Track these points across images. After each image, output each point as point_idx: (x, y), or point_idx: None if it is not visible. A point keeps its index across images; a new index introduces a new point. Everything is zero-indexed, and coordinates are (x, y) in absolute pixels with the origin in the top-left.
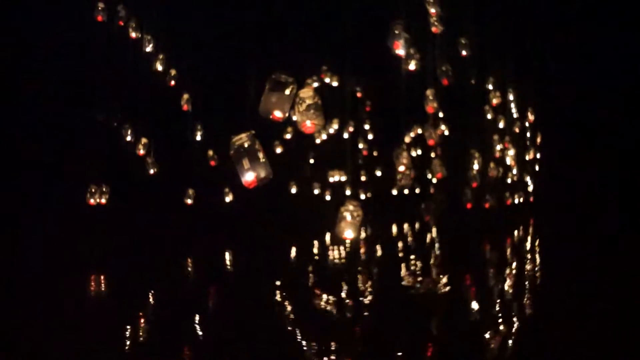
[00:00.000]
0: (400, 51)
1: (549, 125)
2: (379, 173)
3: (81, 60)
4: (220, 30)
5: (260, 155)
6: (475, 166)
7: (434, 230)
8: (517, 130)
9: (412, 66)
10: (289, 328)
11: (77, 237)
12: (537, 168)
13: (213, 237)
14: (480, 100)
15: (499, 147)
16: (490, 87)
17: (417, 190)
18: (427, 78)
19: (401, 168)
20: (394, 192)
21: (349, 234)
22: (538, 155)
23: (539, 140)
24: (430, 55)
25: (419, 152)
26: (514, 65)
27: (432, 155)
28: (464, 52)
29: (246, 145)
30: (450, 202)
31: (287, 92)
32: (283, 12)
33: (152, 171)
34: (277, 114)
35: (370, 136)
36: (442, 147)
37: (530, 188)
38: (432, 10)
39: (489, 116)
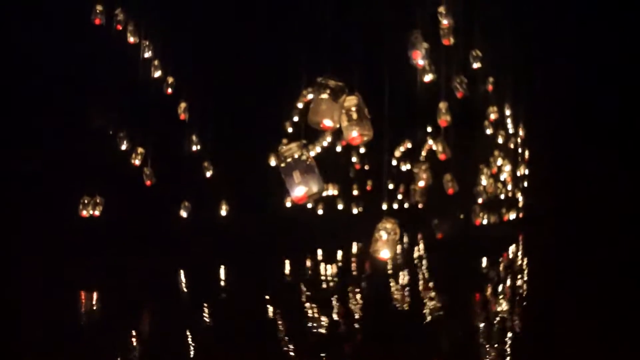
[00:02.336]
0: (420, 61)
1: (537, 141)
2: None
3: (76, 66)
4: (220, 38)
5: (313, 167)
6: (483, 182)
7: (421, 245)
8: (512, 146)
9: (428, 77)
10: (282, 344)
11: (68, 250)
12: (526, 184)
13: (207, 251)
14: (481, 115)
15: (499, 162)
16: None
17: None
18: (440, 90)
19: (421, 183)
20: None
21: (385, 254)
22: (526, 172)
23: (527, 156)
24: (444, 67)
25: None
26: (510, 80)
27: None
28: (475, 65)
29: (297, 156)
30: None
31: (338, 99)
32: (283, 21)
33: (148, 182)
34: (327, 122)
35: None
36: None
37: (521, 204)
38: (445, 22)
39: (489, 131)
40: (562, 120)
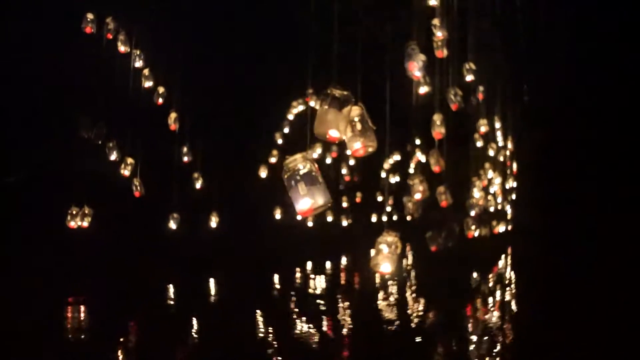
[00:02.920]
0: (417, 72)
1: (523, 154)
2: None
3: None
4: (211, 49)
5: (319, 179)
6: (476, 194)
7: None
8: (501, 159)
9: (423, 89)
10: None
11: (56, 261)
12: (514, 197)
13: (195, 263)
14: (472, 128)
15: (490, 175)
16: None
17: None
18: (434, 103)
19: (417, 196)
20: (373, 218)
21: (386, 267)
22: (514, 184)
23: (515, 168)
24: (438, 79)
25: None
26: (499, 94)
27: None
28: (468, 78)
29: (301, 167)
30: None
31: (344, 109)
32: (273, 31)
33: (137, 193)
34: (333, 133)
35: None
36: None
37: (509, 216)
38: (439, 34)
39: (479, 144)
40: (549, 133)
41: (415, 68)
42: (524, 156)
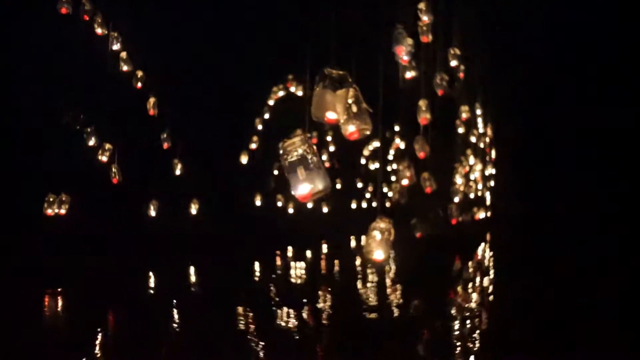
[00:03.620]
0: (404, 57)
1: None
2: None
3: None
4: (191, 33)
5: (318, 163)
6: (459, 180)
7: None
8: (482, 145)
9: (409, 74)
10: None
11: (33, 250)
12: (492, 183)
13: (175, 251)
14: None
15: (471, 162)
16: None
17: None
18: (420, 88)
19: (405, 182)
20: (353, 205)
21: (379, 254)
22: (494, 171)
23: (493, 155)
24: (424, 64)
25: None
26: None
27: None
28: (453, 63)
29: (300, 150)
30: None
31: (342, 90)
32: (254, 15)
33: (115, 180)
34: (331, 115)
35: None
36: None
37: (488, 203)
38: (425, 19)
39: (461, 130)
40: (526, 120)
41: (403, 52)
42: (503, 143)
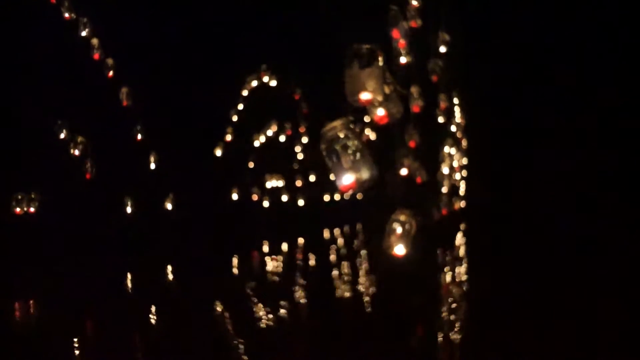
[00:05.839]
0: (401, 40)
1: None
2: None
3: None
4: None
5: (364, 150)
6: (445, 170)
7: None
8: (459, 135)
9: (403, 60)
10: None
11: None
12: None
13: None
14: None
15: (449, 151)
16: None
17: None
18: (412, 75)
19: (403, 172)
20: (326, 197)
21: (399, 249)
22: (465, 161)
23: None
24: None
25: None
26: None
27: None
28: (442, 49)
29: (342, 136)
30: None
31: (372, 67)
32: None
33: (88, 175)
34: (364, 96)
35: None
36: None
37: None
38: (414, 2)
39: (441, 119)
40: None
41: (399, 35)
42: (476, 132)
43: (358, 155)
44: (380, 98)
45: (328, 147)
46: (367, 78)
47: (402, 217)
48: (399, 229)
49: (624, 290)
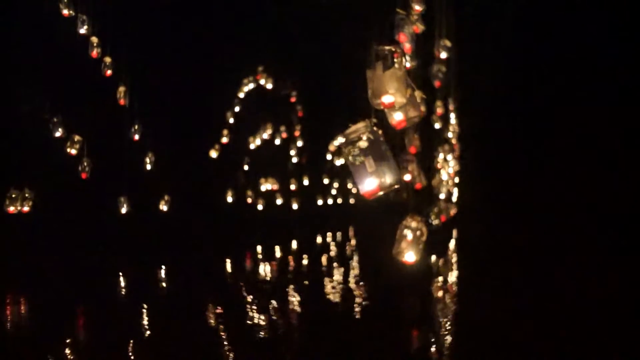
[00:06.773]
0: (406, 44)
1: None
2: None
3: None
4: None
5: (387, 153)
6: (444, 176)
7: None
8: (453, 141)
9: (409, 64)
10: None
11: None
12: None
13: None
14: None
15: (443, 157)
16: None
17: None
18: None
19: (407, 177)
20: (319, 201)
21: (410, 256)
22: (458, 167)
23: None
24: (419, 55)
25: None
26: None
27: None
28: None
29: (365, 139)
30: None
31: (397, 66)
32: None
33: (84, 174)
34: (387, 99)
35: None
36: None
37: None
38: (417, 8)
39: (437, 126)
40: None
41: (406, 39)
42: (467, 139)
43: (384, 158)
44: (402, 101)
45: (351, 151)
46: (388, 80)
47: (414, 224)
48: (410, 236)
49: (617, 299)
